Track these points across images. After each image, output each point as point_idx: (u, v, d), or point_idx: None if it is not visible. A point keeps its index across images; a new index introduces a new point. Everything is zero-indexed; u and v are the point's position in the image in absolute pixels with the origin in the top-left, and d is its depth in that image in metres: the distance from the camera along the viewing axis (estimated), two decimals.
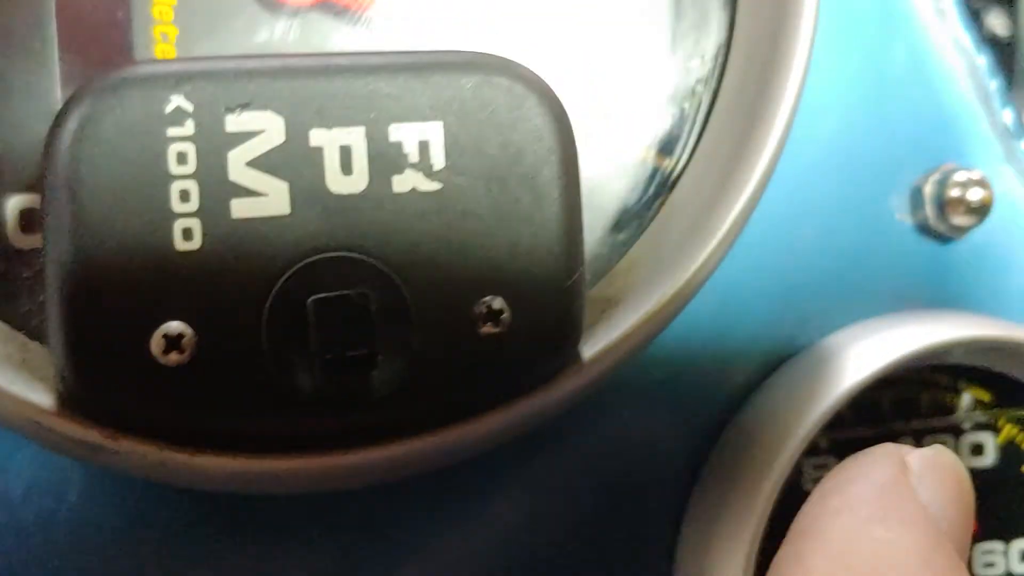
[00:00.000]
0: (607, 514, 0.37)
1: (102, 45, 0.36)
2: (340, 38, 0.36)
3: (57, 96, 0.35)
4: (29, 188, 0.35)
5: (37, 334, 0.32)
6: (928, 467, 0.27)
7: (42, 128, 0.32)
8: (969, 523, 0.28)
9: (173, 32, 0.36)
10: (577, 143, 0.31)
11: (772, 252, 0.38)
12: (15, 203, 0.35)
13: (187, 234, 0.28)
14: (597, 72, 0.37)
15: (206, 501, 0.37)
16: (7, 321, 0.33)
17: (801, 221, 0.38)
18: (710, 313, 0.37)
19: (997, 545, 0.41)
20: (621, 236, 0.37)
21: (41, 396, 0.29)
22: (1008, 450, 0.41)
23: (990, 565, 0.41)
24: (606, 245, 0.37)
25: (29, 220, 0.35)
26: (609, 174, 0.37)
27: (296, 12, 0.36)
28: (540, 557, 0.37)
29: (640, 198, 0.37)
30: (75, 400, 0.29)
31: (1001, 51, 0.45)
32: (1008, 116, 0.41)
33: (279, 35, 0.36)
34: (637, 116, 0.37)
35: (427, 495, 0.38)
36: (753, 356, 0.38)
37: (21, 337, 0.32)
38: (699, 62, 0.37)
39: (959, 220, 0.39)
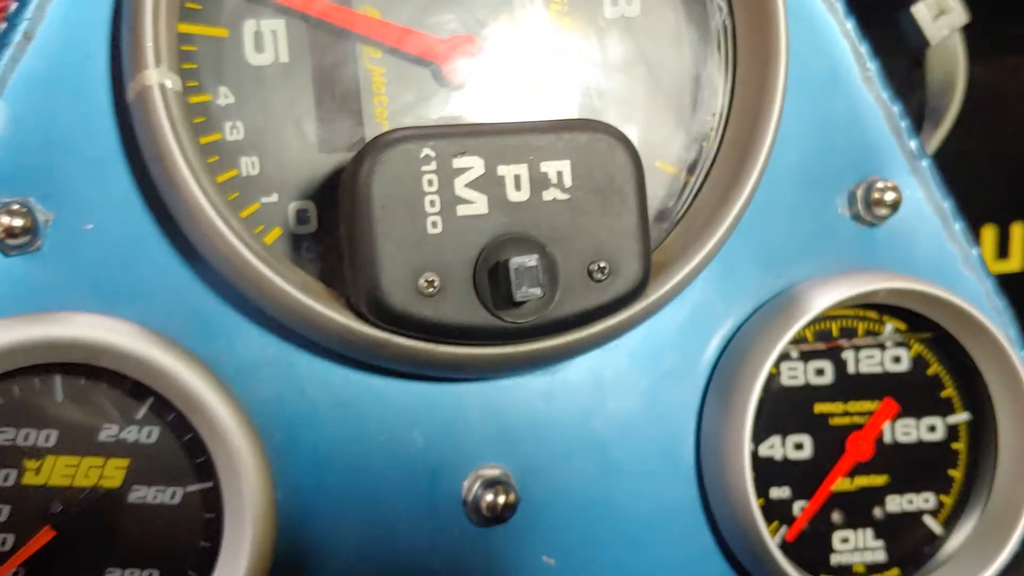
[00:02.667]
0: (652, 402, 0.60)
1: (343, 109, 0.58)
2: (493, 106, 0.58)
3: (313, 142, 0.57)
4: (301, 197, 0.57)
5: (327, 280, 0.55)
6: None
7: (304, 162, 0.55)
8: None
9: (385, 100, 0.58)
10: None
11: (759, 234, 0.60)
12: (293, 204, 0.57)
13: (434, 224, 0.50)
14: (652, 125, 0.59)
15: None
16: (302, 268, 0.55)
17: (777, 213, 0.61)
18: (721, 270, 0.60)
19: (911, 420, 0.63)
20: (664, 225, 0.59)
21: (348, 317, 0.52)
22: (918, 360, 0.63)
23: (907, 434, 0.63)
24: (655, 230, 0.59)
25: (301, 215, 0.57)
26: (659, 187, 0.59)
27: (461, 86, 0.58)
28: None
29: (676, 200, 0.59)
30: (372, 317, 0.51)
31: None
32: (913, 145, 0.63)
33: (453, 101, 0.58)
34: (675, 151, 0.59)
35: None
36: (745, 300, 0.60)
37: (317, 285, 0.54)
38: (711, 117, 0.59)
39: (880, 212, 0.61)
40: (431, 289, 0.50)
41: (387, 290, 0.50)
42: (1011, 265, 1.07)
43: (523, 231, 0.51)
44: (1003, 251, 1.07)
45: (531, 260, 0.50)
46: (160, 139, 0.50)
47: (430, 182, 0.50)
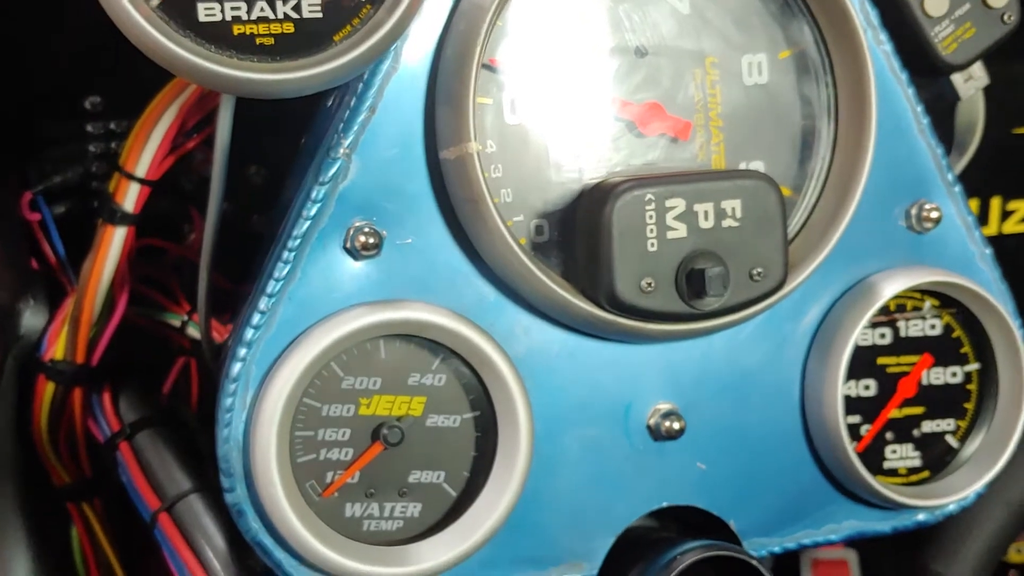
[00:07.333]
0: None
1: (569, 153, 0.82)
2: (678, 151, 0.82)
3: (548, 178, 0.80)
4: (538, 216, 0.81)
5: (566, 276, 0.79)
6: None
7: (541, 192, 0.79)
8: None
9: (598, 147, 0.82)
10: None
11: (844, 240, 0.85)
12: (533, 222, 0.81)
13: (651, 244, 0.75)
14: (777, 160, 0.84)
15: None
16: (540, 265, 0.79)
17: (857, 225, 0.86)
18: (820, 265, 0.85)
19: (940, 369, 0.90)
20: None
21: (591, 305, 0.77)
22: (947, 327, 0.90)
23: (938, 378, 0.90)
24: None
25: (538, 229, 0.81)
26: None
27: (658, 141, 0.83)
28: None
29: (791, 215, 0.84)
30: (608, 306, 0.76)
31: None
32: (950, 177, 0.89)
33: (650, 151, 0.82)
34: (791, 179, 0.85)
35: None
36: (834, 286, 0.86)
37: (564, 283, 0.79)
38: (820, 159, 0.85)
39: (927, 225, 0.87)
40: (649, 288, 0.76)
41: (620, 289, 0.75)
42: (990, 230, 1.35)
43: (709, 248, 0.76)
44: (983, 219, 1.35)
45: (719, 269, 0.75)
46: (476, 187, 0.74)
47: (650, 216, 0.75)
